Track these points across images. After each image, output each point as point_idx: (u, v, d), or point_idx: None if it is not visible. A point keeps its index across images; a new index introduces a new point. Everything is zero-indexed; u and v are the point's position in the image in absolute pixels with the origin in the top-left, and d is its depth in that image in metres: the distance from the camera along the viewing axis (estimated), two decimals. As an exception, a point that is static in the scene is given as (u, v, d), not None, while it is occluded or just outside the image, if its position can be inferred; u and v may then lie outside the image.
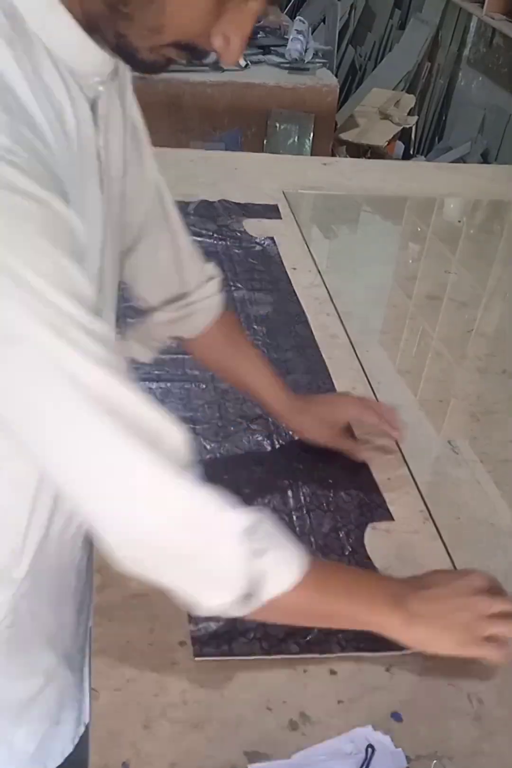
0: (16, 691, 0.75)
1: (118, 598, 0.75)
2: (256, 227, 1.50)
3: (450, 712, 0.69)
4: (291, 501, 0.89)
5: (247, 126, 2.89)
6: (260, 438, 0.98)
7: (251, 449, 0.96)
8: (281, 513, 0.87)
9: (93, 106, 0.60)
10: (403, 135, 3.99)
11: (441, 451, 1.02)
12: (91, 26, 0.55)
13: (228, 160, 1.85)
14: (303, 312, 1.26)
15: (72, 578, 0.77)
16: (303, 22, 3.08)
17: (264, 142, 2.95)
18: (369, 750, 0.64)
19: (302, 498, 0.89)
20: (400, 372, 1.19)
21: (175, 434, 0.57)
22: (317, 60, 3.06)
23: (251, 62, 2.93)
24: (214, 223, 1.49)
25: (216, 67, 2.83)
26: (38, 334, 0.50)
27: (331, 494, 0.90)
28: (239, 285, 1.31)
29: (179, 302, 0.86)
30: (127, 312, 0.91)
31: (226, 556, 0.59)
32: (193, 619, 0.73)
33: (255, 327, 1.20)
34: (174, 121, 2.76)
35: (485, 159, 3.78)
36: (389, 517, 0.89)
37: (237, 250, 1.42)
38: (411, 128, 4.04)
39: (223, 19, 0.53)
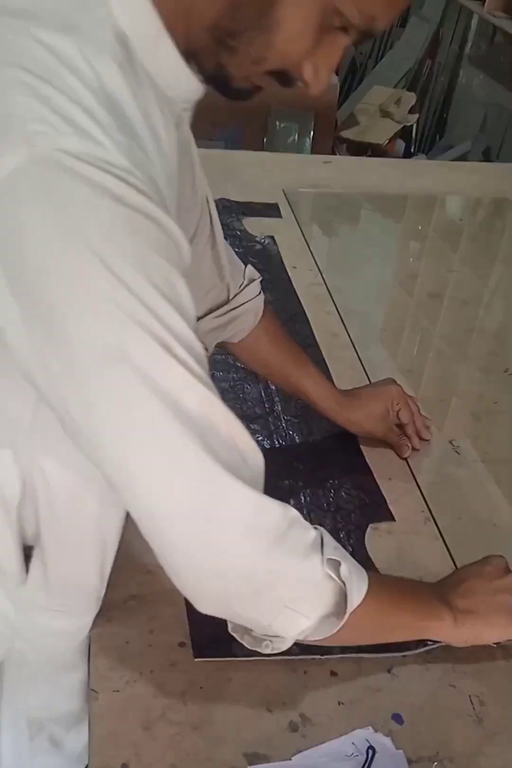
0: (72, 704, 0.76)
1: (118, 599, 0.74)
2: (255, 226, 1.50)
3: (451, 714, 0.69)
4: (291, 501, 0.88)
5: (247, 124, 2.89)
6: (260, 438, 0.97)
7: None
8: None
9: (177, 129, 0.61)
10: (404, 133, 3.98)
11: (442, 450, 1.02)
12: (190, 54, 0.56)
13: (228, 158, 1.85)
14: (304, 311, 1.25)
15: None
16: (304, 20, 3.08)
17: (264, 140, 2.94)
18: (370, 752, 0.64)
19: (302, 498, 0.89)
20: (401, 371, 1.19)
21: (257, 457, 0.57)
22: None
23: (251, 60, 2.92)
24: (214, 221, 1.48)
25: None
26: (147, 348, 0.49)
27: (332, 494, 0.90)
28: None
29: (223, 308, 0.87)
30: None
31: (309, 573, 0.59)
32: (193, 620, 0.73)
33: (255, 326, 1.20)
34: (174, 120, 2.75)
35: (486, 157, 3.77)
36: (390, 517, 0.88)
37: (237, 249, 1.40)
38: (411, 126, 4.03)
39: (318, 51, 0.54)
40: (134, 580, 0.76)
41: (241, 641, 0.65)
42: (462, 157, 3.75)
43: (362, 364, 1.14)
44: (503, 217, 1.79)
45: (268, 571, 0.58)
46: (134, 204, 0.48)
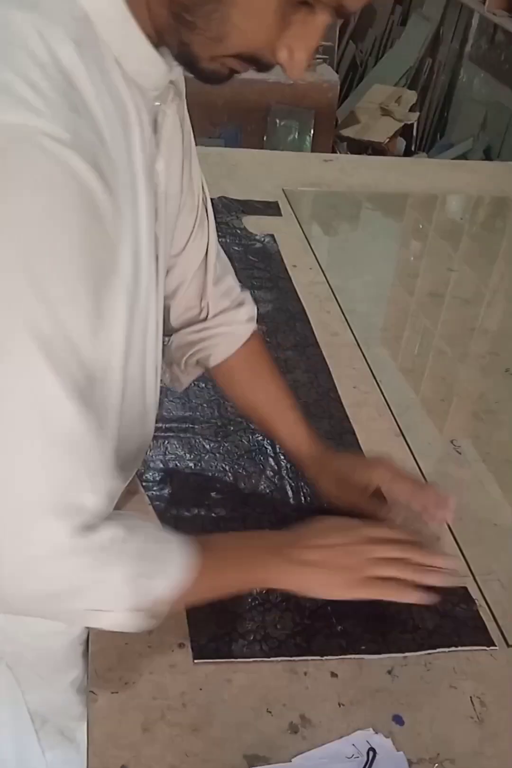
0: (71, 698, 0.77)
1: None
2: (255, 224, 1.49)
3: (452, 715, 0.69)
4: (291, 501, 0.88)
5: (247, 122, 2.88)
6: (260, 437, 0.97)
7: (251, 449, 0.95)
8: (282, 512, 0.86)
9: (155, 128, 0.60)
10: (404, 131, 3.98)
11: (443, 450, 1.01)
12: (159, 39, 0.55)
13: (227, 156, 1.85)
14: (304, 310, 1.25)
15: None
16: (304, 18, 3.07)
17: (264, 138, 2.94)
18: (371, 753, 0.64)
19: (303, 498, 0.89)
20: (402, 370, 1.19)
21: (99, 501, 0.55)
22: (318, 56, 3.06)
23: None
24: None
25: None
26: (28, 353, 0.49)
27: (332, 494, 0.90)
28: (239, 282, 1.30)
29: (197, 325, 0.83)
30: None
31: (107, 579, 0.57)
32: (192, 622, 0.72)
33: (255, 325, 1.20)
34: (174, 118, 2.74)
35: (487, 156, 3.77)
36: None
37: (236, 248, 1.41)
38: (412, 125, 4.03)
39: (288, 32, 0.52)
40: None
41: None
42: (463, 156, 3.75)
43: (368, 363, 1.14)
44: (504, 216, 1.79)
45: (70, 583, 0.56)
46: (60, 158, 0.47)
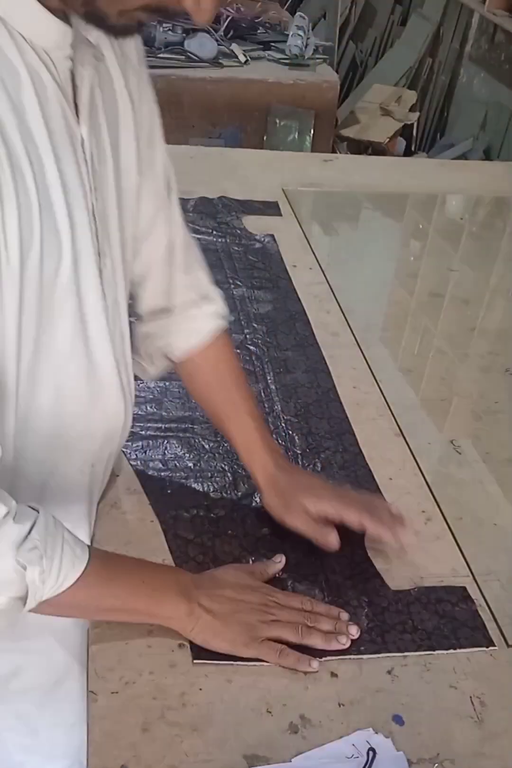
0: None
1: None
2: (255, 224, 1.49)
3: (452, 715, 0.68)
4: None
5: (247, 122, 2.88)
6: (260, 437, 0.97)
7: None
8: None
9: (75, 95, 0.60)
10: (404, 131, 3.97)
11: (443, 450, 1.01)
12: (63, 2, 0.55)
13: (227, 156, 1.84)
14: (304, 310, 1.25)
15: None
16: (304, 18, 3.07)
17: (264, 138, 2.93)
18: (371, 753, 0.64)
19: (302, 498, 0.89)
20: (402, 370, 1.19)
21: None
22: (317, 56, 3.05)
23: (251, 58, 2.92)
24: (213, 220, 1.48)
25: (215, 62, 2.81)
26: None
27: (332, 494, 0.89)
28: (239, 283, 1.30)
29: (161, 315, 0.83)
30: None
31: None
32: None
33: (254, 325, 1.20)
34: (173, 118, 2.74)
35: (487, 156, 3.77)
36: (390, 517, 0.87)
37: (236, 248, 1.41)
38: (412, 125, 4.02)
39: None
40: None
41: None
42: (463, 156, 3.75)
43: (368, 364, 1.13)
44: (504, 216, 1.79)
45: None
46: None
